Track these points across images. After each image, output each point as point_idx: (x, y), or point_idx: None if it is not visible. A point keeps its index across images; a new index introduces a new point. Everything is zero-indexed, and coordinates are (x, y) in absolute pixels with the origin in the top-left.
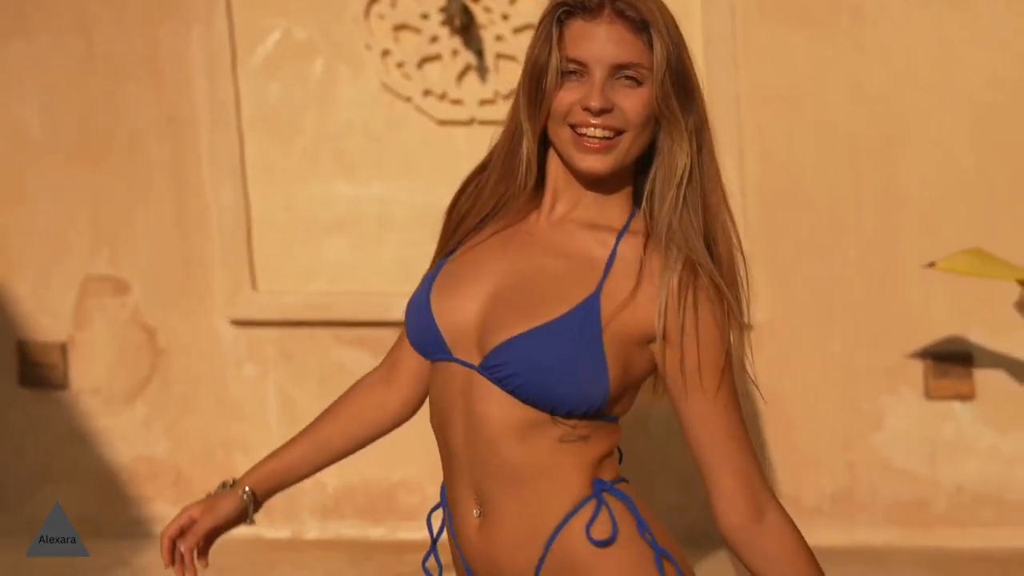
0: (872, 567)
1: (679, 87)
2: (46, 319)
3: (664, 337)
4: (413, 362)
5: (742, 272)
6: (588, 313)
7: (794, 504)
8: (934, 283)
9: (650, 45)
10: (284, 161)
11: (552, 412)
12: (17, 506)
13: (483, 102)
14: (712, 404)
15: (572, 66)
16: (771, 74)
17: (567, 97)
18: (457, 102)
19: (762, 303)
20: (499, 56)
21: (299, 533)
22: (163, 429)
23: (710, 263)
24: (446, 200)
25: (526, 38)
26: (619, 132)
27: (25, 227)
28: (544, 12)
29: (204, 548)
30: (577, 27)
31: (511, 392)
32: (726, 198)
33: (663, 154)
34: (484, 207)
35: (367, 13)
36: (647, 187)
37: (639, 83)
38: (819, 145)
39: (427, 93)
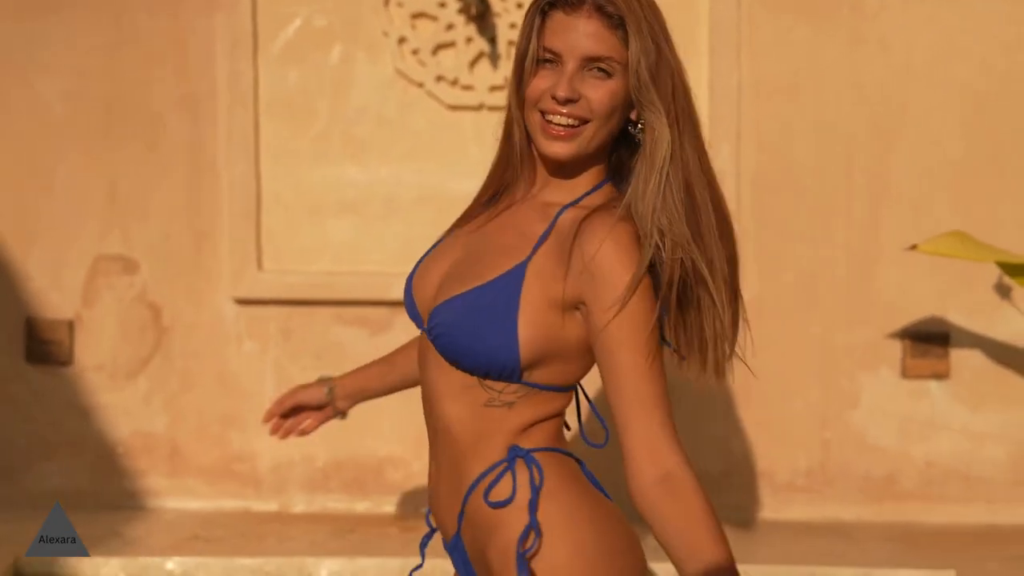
0: (842, 541)
1: (657, 78)
2: (56, 297)
3: (585, 301)
4: None
5: (735, 253)
6: (511, 281)
7: (767, 479)
8: (916, 266)
9: (626, 40)
10: (297, 144)
11: (471, 373)
12: (19, 479)
13: (493, 88)
14: (625, 368)
15: (548, 55)
16: (772, 64)
17: (540, 84)
18: (468, 88)
19: (749, 283)
20: (511, 43)
21: (287, 507)
22: (162, 404)
23: (690, 243)
24: (451, 182)
25: None
26: (584, 121)
27: (43, 205)
28: (531, 3)
29: (305, 427)
30: (558, 19)
31: (440, 353)
32: (715, 184)
33: (646, 141)
34: (486, 191)
35: (386, 1)
36: (634, 173)
37: (609, 75)
38: (814, 133)
39: (439, 79)
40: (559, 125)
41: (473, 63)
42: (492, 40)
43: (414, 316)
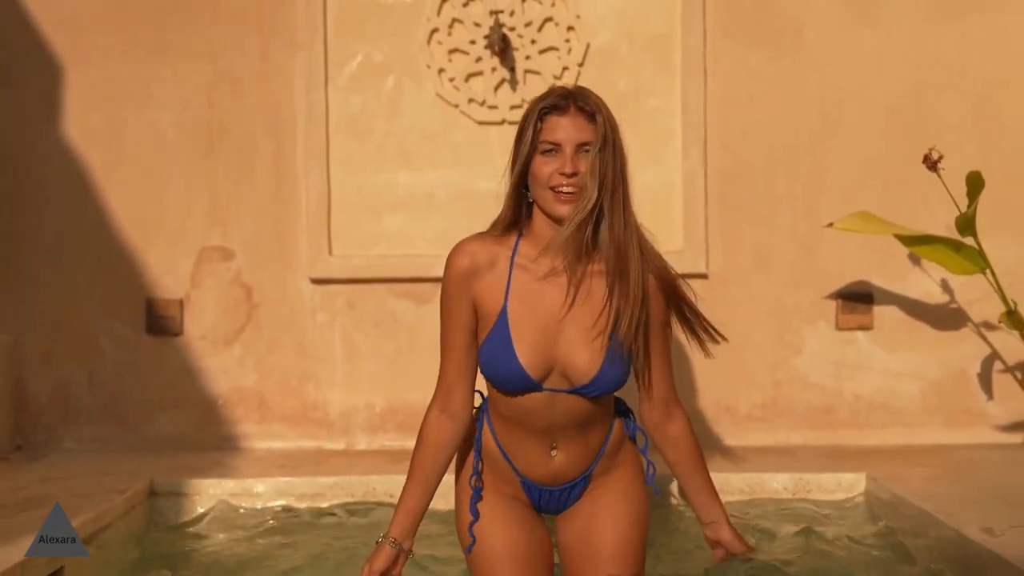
0: (790, 459)
1: (607, 153)
2: (170, 281)
3: None
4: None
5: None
6: None
7: (730, 413)
8: (848, 242)
9: (595, 125)
10: (359, 156)
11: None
12: (138, 428)
13: (513, 107)
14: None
15: (549, 146)
16: (731, 82)
17: (546, 169)
18: (493, 107)
19: (716, 258)
20: (527, 71)
21: (352, 445)
22: (252, 365)
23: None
24: (480, 183)
25: (549, 57)
26: (581, 188)
27: (159, 209)
28: (527, 112)
29: None
30: (553, 120)
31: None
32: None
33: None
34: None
35: (429, 40)
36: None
37: (588, 153)
38: (765, 137)
39: (471, 100)
40: (566, 192)
41: (497, 88)
42: (512, 69)
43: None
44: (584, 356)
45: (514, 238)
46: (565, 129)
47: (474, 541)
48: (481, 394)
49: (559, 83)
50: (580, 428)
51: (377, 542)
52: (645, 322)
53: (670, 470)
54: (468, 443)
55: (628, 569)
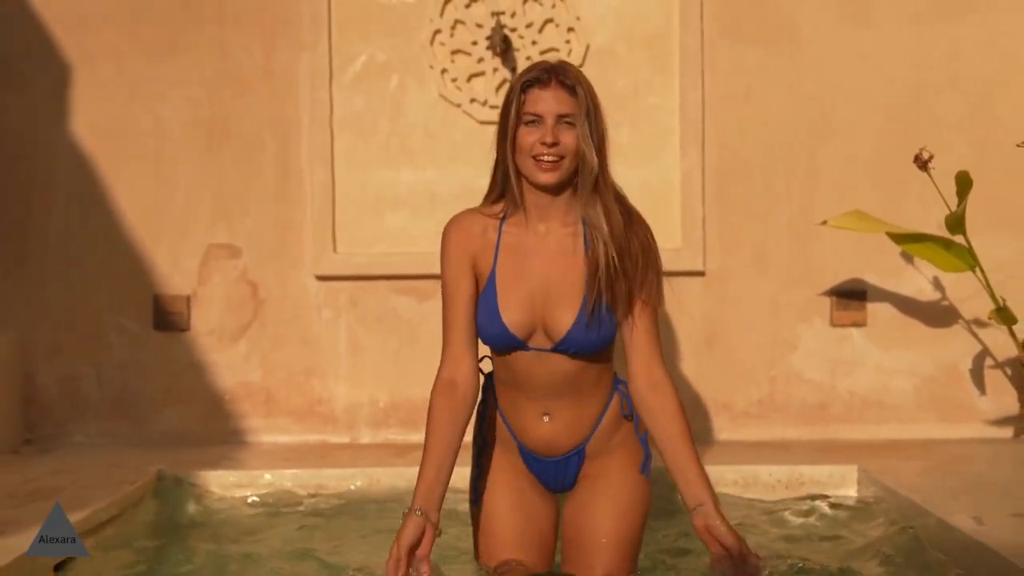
0: (785, 453)
1: (592, 122)
2: (176, 277)
3: None
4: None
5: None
6: None
7: (727, 409)
8: (842, 239)
9: (577, 99)
10: (363, 153)
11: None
12: (145, 422)
13: None
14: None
15: (531, 117)
16: (728, 81)
17: (529, 138)
18: (494, 107)
19: (713, 255)
20: None
21: (356, 439)
22: (258, 360)
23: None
24: (481, 181)
25: (550, 58)
26: (561, 157)
27: (166, 206)
28: (511, 87)
29: (425, 571)
30: (535, 93)
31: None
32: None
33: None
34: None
35: (432, 41)
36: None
37: (572, 125)
38: (763, 136)
39: (472, 100)
40: (548, 161)
41: (498, 88)
42: (513, 69)
43: None
44: (563, 314)
45: (502, 208)
46: (546, 101)
47: (476, 500)
48: (492, 358)
49: None
50: (571, 395)
51: (404, 514)
52: (627, 284)
53: (656, 446)
54: (478, 406)
55: (618, 557)
